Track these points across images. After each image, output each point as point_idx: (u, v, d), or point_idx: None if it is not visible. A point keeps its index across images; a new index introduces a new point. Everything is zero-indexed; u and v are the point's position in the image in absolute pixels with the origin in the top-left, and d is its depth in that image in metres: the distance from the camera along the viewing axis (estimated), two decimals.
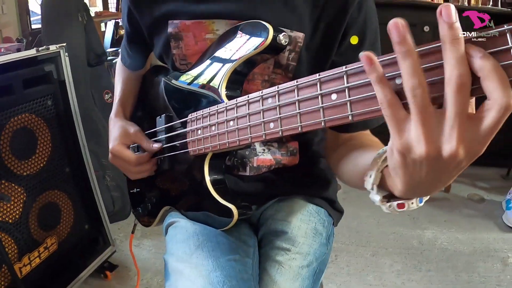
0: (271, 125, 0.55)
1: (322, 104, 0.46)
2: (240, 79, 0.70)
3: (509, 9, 2.80)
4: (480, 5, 2.77)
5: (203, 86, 0.74)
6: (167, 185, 0.87)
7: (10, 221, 1.31)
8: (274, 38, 0.63)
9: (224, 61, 0.70)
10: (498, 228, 2.12)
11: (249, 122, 0.58)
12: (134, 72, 0.97)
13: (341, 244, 2.00)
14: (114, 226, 1.93)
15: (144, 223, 0.98)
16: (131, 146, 0.88)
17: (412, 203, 0.47)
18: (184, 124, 0.75)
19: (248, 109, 0.59)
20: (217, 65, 0.72)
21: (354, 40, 0.71)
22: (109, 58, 2.70)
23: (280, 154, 0.84)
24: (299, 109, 0.50)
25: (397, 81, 0.39)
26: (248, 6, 0.70)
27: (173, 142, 0.79)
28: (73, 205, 1.58)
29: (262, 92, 0.56)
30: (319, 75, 0.47)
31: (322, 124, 0.47)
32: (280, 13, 0.69)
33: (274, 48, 0.64)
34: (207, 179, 0.72)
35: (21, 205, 1.35)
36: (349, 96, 0.43)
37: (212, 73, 0.72)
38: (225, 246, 0.71)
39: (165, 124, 0.82)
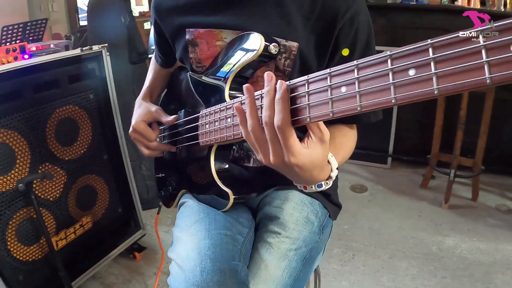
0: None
1: (308, 102, 0.54)
2: (242, 82, 0.80)
3: None
4: None
5: (212, 88, 0.84)
6: (184, 171, 0.99)
7: (51, 199, 1.49)
8: (265, 48, 0.73)
9: (229, 66, 0.81)
10: None
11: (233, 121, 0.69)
12: (164, 69, 1.10)
13: (360, 244, 2.05)
14: (147, 213, 2.08)
15: (166, 204, 1.11)
16: (160, 128, 1.01)
17: (311, 187, 0.65)
18: (197, 119, 0.86)
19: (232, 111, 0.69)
20: (224, 69, 0.82)
21: (345, 52, 0.80)
22: (150, 55, 2.87)
23: None
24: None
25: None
26: (249, 18, 0.81)
27: (189, 134, 0.90)
28: (108, 189, 1.75)
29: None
30: (307, 77, 0.55)
31: (308, 120, 0.55)
32: (276, 25, 0.79)
33: (266, 56, 0.75)
34: (212, 166, 0.83)
35: (61, 186, 1.53)
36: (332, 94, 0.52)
37: (220, 75, 0.83)
38: (220, 223, 0.83)
39: (183, 118, 0.93)
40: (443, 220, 2.25)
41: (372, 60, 0.46)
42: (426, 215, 2.31)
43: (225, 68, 0.81)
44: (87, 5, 2.34)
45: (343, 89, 0.50)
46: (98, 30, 2.04)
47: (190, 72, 0.95)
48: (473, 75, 0.37)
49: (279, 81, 0.56)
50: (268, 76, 0.56)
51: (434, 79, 0.40)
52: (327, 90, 0.52)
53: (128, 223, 1.88)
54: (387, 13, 2.76)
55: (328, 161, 0.64)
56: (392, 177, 2.79)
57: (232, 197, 0.80)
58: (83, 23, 3.85)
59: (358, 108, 0.48)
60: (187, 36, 0.89)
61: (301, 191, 0.91)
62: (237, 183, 0.84)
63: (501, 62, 0.35)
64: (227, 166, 0.85)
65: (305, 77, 0.55)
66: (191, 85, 0.94)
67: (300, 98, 0.56)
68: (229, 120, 0.72)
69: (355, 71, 0.49)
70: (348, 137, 0.84)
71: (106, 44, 1.62)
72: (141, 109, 1.01)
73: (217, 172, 0.83)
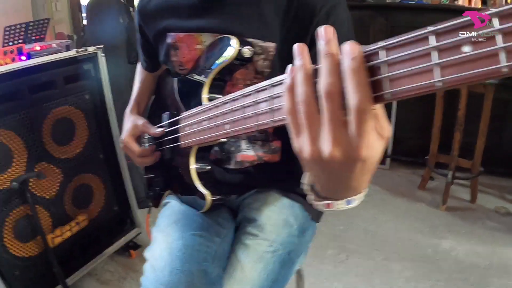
0: (227, 126, 0.65)
1: (273, 106, 0.52)
2: (220, 85, 0.82)
3: None
4: None
5: (193, 90, 0.86)
6: (169, 172, 1.01)
7: (47, 197, 1.52)
8: (239, 51, 0.75)
9: (207, 69, 0.83)
10: None
11: (215, 122, 0.70)
12: (151, 73, 1.12)
13: (354, 245, 2.06)
14: (143, 211, 2.08)
15: (154, 204, 1.14)
16: (145, 138, 1.03)
17: (339, 204, 0.49)
18: (178, 121, 0.88)
19: (214, 112, 0.70)
20: (203, 72, 0.84)
21: None
22: None
23: (263, 152, 0.94)
24: (244, 114, 0.60)
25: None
26: (227, 21, 0.83)
27: (171, 136, 0.92)
28: (104, 188, 1.78)
29: (223, 98, 0.67)
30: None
31: (272, 124, 0.52)
32: (253, 26, 0.81)
33: (240, 60, 0.76)
34: (192, 167, 0.84)
35: (57, 184, 1.56)
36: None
37: (198, 79, 0.84)
38: (197, 224, 0.85)
39: (167, 120, 0.95)
40: (440, 222, 2.24)
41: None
42: (423, 217, 2.30)
43: (204, 72, 0.83)
44: (86, 5, 2.38)
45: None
46: (97, 31, 2.07)
47: (173, 75, 0.97)
48: None
49: (347, 44, 0.39)
50: (326, 31, 0.41)
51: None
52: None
53: (124, 221, 1.91)
54: (387, 13, 2.75)
55: None
56: (390, 178, 2.79)
57: (209, 198, 0.81)
58: None
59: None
60: (169, 40, 0.91)
61: (298, 193, 0.91)
62: (216, 184, 0.85)
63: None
64: (207, 167, 0.87)
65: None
66: (174, 87, 0.96)
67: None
68: (207, 122, 0.74)
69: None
70: None
71: (102, 46, 1.65)
72: (129, 123, 1.03)
73: (197, 173, 0.84)
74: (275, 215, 0.90)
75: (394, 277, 1.83)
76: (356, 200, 0.49)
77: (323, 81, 0.39)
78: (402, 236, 2.13)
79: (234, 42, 0.76)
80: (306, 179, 0.53)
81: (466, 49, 0.34)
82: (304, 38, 0.79)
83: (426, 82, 0.36)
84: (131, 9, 2.20)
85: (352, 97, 0.37)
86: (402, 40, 0.39)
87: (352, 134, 0.38)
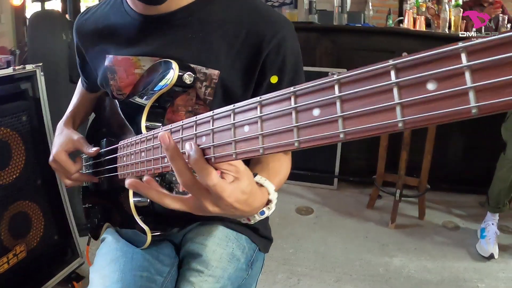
0: (166, 159, 0.61)
1: (235, 137, 0.47)
2: (160, 112, 0.77)
3: None
4: None
5: (131, 117, 0.81)
6: (106, 204, 0.94)
7: None
8: (179, 77, 0.71)
9: (145, 96, 0.78)
10: (470, 257, 2.13)
11: (153, 155, 0.65)
12: (90, 93, 1.06)
13: (305, 268, 2.03)
14: (85, 240, 1.96)
15: (93, 236, 1.05)
16: (83, 157, 0.96)
17: (255, 217, 0.62)
18: (115, 150, 0.82)
19: (152, 143, 0.65)
20: (141, 99, 0.79)
21: (274, 79, 0.77)
22: None
23: None
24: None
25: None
26: (168, 44, 0.79)
27: (109, 165, 0.86)
28: (43, 216, 1.65)
29: (161, 128, 0.62)
30: (212, 113, 0.50)
31: (212, 160, 0.50)
32: (196, 52, 0.77)
33: (180, 86, 0.72)
34: (131, 201, 0.79)
35: None
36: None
37: (137, 106, 0.79)
38: (137, 263, 0.78)
39: (105, 148, 0.89)
40: (390, 240, 2.28)
41: (276, 96, 0.40)
42: (373, 236, 2.33)
43: (143, 98, 0.78)
44: (28, 19, 2.25)
45: (246, 128, 0.44)
46: (38, 47, 1.95)
47: (111, 99, 0.92)
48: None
49: (186, 143, 0.51)
50: (163, 139, 0.51)
51: (339, 121, 0.34)
52: (230, 129, 0.46)
53: (65, 251, 1.78)
54: (334, 35, 2.82)
55: (262, 185, 0.60)
56: (338, 198, 2.81)
57: (150, 234, 0.75)
58: None
59: (261, 151, 0.42)
60: (106, 63, 0.85)
61: (244, 224, 0.87)
62: (157, 218, 0.80)
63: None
64: (145, 200, 0.81)
65: (210, 113, 0.49)
66: (113, 112, 0.90)
67: (206, 136, 0.50)
68: (144, 154, 0.69)
69: (258, 108, 0.43)
70: (282, 162, 0.80)
71: (41, 64, 1.54)
72: (63, 137, 0.95)
73: (136, 206, 0.79)
74: (221, 249, 0.85)
75: None
76: (266, 212, 0.61)
77: (179, 180, 0.54)
78: (353, 257, 2.13)
79: (174, 66, 0.71)
80: None
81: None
82: (253, 68, 0.76)
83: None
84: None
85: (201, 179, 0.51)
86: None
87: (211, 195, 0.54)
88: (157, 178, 0.89)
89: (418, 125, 0.31)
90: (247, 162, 0.55)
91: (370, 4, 3.08)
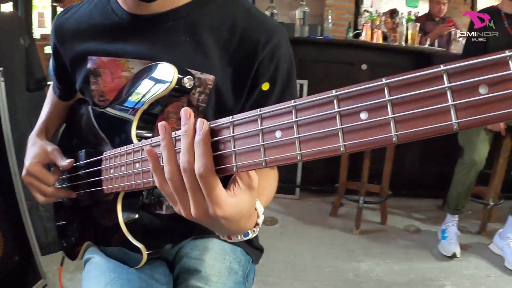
0: None
1: (234, 148, 0.46)
2: (152, 119, 0.72)
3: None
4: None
5: (117, 125, 0.76)
6: (87, 221, 0.87)
7: None
8: (179, 81, 0.65)
9: (135, 101, 0.73)
10: (434, 257, 2.22)
11: (142, 167, 0.61)
12: (63, 101, 0.98)
13: (276, 278, 2.01)
14: (47, 258, 1.85)
15: (70, 256, 0.98)
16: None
17: (237, 237, 0.58)
18: (99, 162, 0.77)
19: (141, 154, 0.62)
20: (130, 104, 0.74)
21: (265, 86, 0.75)
22: (49, 82, 2.65)
23: None
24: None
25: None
26: (159, 47, 0.74)
27: (91, 178, 0.80)
28: (3, 235, 1.53)
29: (157, 139, 0.58)
30: (232, 118, 0.46)
31: (234, 169, 0.46)
32: (190, 55, 0.73)
33: (179, 91, 0.66)
34: (120, 217, 0.73)
35: None
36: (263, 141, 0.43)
37: (125, 112, 0.74)
38: (134, 284, 0.73)
39: (84, 160, 0.83)
40: (356, 246, 2.33)
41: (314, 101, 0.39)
42: (339, 243, 2.37)
43: (131, 104, 0.74)
44: None
45: (278, 133, 0.42)
46: None
47: (91, 106, 0.86)
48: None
49: (199, 119, 0.46)
50: (185, 112, 0.47)
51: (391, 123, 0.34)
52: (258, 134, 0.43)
53: (26, 272, 1.65)
54: (295, 47, 2.84)
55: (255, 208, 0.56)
56: (301, 207, 2.85)
57: (145, 252, 0.70)
58: None
59: (299, 157, 0.40)
60: (89, 65, 0.79)
61: (224, 241, 0.85)
62: (149, 234, 0.75)
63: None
64: (136, 215, 0.76)
65: (230, 118, 0.46)
66: (93, 121, 0.84)
67: (225, 143, 0.46)
68: (137, 165, 0.64)
69: (293, 112, 0.41)
70: (270, 178, 0.78)
71: (2, 68, 1.43)
72: (36, 148, 0.88)
73: (126, 224, 0.73)
74: (219, 263, 0.81)
75: None
76: (250, 234, 0.57)
77: (182, 158, 0.47)
78: (322, 264, 2.15)
79: (172, 69, 0.65)
80: None
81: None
82: (246, 74, 0.74)
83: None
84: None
85: (197, 166, 0.45)
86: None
87: (205, 198, 0.47)
88: (143, 192, 0.84)
89: (471, 126, 0.32)
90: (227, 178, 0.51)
91: (330, 17, 3.18)
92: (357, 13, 4.25)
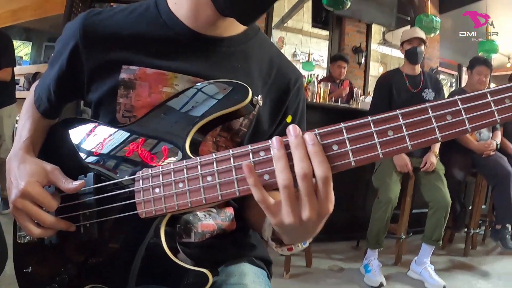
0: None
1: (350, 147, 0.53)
2: (202, 137, 0.68)
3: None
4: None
5: (157, 142, 0.69)
6: (94, 259, 0.72)
7: None
8: (252, 98, 0.64)
9: (188, 116, 0.68)
10: None
11: (218, 179, 0.58)
12: (46, 119, 0.83)
13: None
14: None
15: None
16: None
17: (298, 246, 0.62)
18: (131, 183, 0.67)
19: (216, 166, 0.59)
20: (178, 120, 0.69)
21: (289, 119, 0.83)
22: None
23: (220, 219, 0.82)
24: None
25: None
26: (217, 69, 0.75)
27: (110, 204, 0.69)
28: None
29: (232, 151, 0.57)
30: (343, 124, 0.53)
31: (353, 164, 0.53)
32: (242, 81, 0.70)
33: (247, 109, 0.65)
34: (165, 245, 0.65)
35: None
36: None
37: (173, 127, 0.68)
38: None
39: (94, 184, 0.71)
40: None
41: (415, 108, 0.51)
42: (274, 287, 2.35)
43: (184, 118, 0.68)
44: None
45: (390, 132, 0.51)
46: None
47: (104, 124, 0.75)
48: None
49: (306, 133, 0.52)
50: (294, 128, 0.52)
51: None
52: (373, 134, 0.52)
53: None
54: None
55: None
56: None
57: (210, 277, 0.63)
58: None
59: (410, 148, 0.50)
60: (123, 75, 0.72)
61: (260, 258, 0.86)
62: (198, 259, 0.68)
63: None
64: (176, 242, 0.69)
65: (341, 124, 0.53)
66: (107, 139, 0.73)
67: (339, 144, 0.52)
68: (211, 178, 0.59)
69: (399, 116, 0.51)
70: None
71: None
72: (31, 165, 0.71)
73: (171, 251, 0.65)
74: (258, 286, 0.78)
75: None
76: (307, 241, 0.61)
77: (299, 166, 0.50)
78: None
79: (247, 87, 0.65)
80: (268, 233, 0.65)
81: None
82: (280, 107, 0.82)
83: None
84: None
85: (318, 171, 0.50)
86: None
87: (321, 198, 0.51)
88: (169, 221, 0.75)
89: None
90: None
91: None
92: None
